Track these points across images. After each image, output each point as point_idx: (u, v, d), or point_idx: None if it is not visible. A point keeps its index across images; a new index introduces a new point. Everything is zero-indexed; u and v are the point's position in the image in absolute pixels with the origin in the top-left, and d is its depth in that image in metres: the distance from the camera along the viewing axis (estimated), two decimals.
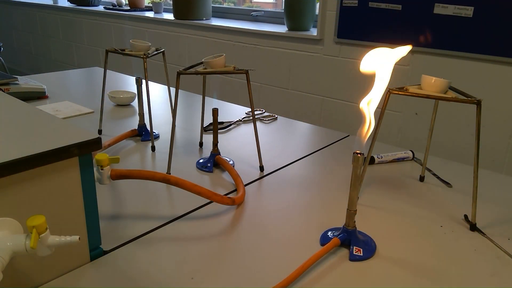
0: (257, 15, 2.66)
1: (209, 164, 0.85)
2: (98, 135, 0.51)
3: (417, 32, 1.79)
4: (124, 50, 0.93)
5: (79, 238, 0.45)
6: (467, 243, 0.63)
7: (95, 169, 0.57)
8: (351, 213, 0.58)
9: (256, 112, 1.23)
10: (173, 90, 1.04)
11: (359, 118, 0.59)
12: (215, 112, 0.80)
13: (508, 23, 1.58)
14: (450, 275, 0.55)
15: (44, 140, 0.49)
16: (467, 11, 1.65)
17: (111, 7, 3.32)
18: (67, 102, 1.25)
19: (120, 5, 3.31)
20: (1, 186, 0.43)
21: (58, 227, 0.49)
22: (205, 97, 0.94)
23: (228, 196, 0.71)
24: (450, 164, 0.91)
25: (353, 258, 0.58)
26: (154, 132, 1.03)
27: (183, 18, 2.69)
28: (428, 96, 0.65)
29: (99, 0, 3.59)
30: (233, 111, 1.24)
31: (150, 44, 0.93)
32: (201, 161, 0.88)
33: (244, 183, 0.79)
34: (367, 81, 0.63)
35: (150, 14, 3.03)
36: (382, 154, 0.92)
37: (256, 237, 0.63)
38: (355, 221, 0.59)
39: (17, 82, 1.25)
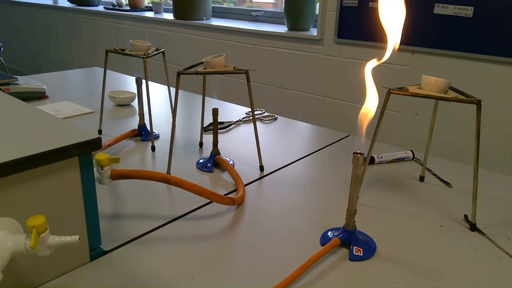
0: (257, 15, 2.66)
1: (209, 164, 0.85)
2: (98, 135, 0.51)
3: (417, 32, 1.79)
4: (124, 50, 0.93)
5: (79, 238, 0.45)
6: (467, 243, 0.63)
7: (95, 169, 0.57)
8: (351, 213, 0.58)
9: (256, 112, 1.23)
10: (173, 90, 1.05)
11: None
12: (215, 112, 0.80)
13: (508, 23, 1.58)
14: (450, 275, 0.55)
15: (44, 140, 0.49)
16: (467, 11, 1.65)
17: (111, 7, 3.32)
18: (67, 102, 1.25)
19: (120, 5, 3.31)
20: (1, 186, 0.43)
21: (58, 227, 0.49)
22: (205, 97, 0.94)
23: (228, 196, 0.71)
24: (450, 164, 0.91)
25: (353, 258, 0.58)
26: (154, 132, 1.03)
27: (183, 18, 2.69)
28: (428, 96, 0.65)
29: (99, 0, 3.59)
30: (233, 111, 1.25)
31: (150, 44, 0.93)
32: (201, 161, 0.88)
33: (244, 183, 0.79)
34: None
35: (150, 14, 3.03)
36: (382, 154, 0.92)
37: (256, 237, 0.63)
38: (355, 221, 0.59)
39: (17, 82, 1.25)
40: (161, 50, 0.95)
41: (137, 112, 1.13)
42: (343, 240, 0.59)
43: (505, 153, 1.71)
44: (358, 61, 2.01)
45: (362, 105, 0.59)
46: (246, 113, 1.23)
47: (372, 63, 0.60)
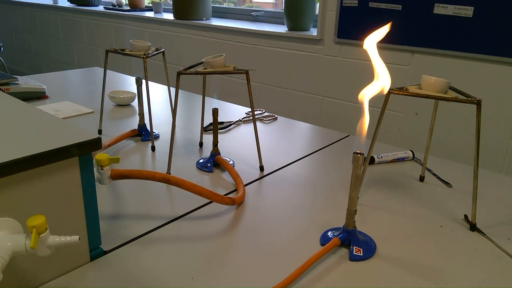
0: (257, 15, 2.66)
1: (209, 164, 0.85)
2: (98, 135, 0.51)
3: (417, 32, 1.79)
4: (124, 50, 0.93)
5: (79, 238, 0.45)
6: (467, 243, 0.63)
7: (95, 169, 0.57)
8: (351, 213, 0.58)
9: (256, 112, 1.23)
10: (173, 90, 1.05)
11: (359, 117, 0.59)
12: (215, 112, 0.80)
13: (508, 23, 1.58)
14: (450, 275, 0.55)
15: (44, 140, 0.49)
16: (467, 11, 1.65)
17: (111, 7, 3.32)
18: (67, 102, 1.25)
19: (120, 5, 3.31)
20: (1, 186, 0.43)
21: (58, 227, 0.49)
22: (205, 97, 0.94)
23: (228, 196, 0.71)
24: (450, 164, 0.91)
25: (353, 258, 0.58)
26: (154, 132, 1.03)
27: (183, 18, 2.69)
28: (428, 96, 0.65)
29: (99, 0, 3.59)
30: (233, 111, 1.24)
31: (150, 44, 0.93)
32: (201, 161, 0.88)
33: (244, 183, 0.79)
34: (367, 81, 0.63)
35: (150, 14, 3.03)
36: (382, 154, 0.92)
37: (256, 237, 0.63)
38: (355, 221, 0.59)
39: (17, 82, 1.25)
40: (161, 50, 0.95)
41: (137, 112, 1.13)
42: (343, 240, 0.59)
43: (505, 153, 1.71)
44: (358, 61, 2.01)
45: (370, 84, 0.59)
46: (246, 113, 1.23)
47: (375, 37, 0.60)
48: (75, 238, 0.45)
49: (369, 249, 0.59)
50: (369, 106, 0.60)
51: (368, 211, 0.71)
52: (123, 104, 1.27)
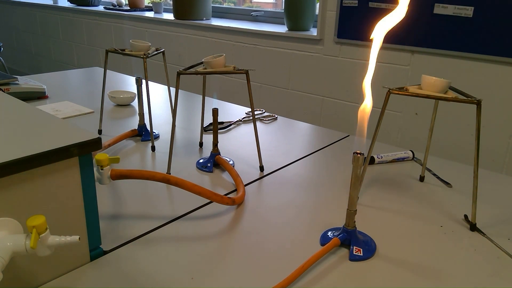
0: (257, 15, 2.66)
1: (209, 164, 0.85)
2: (98, 135, 0.51)
3: (417, 32, 1.79)
4: (124, 50, 0.93)
5: (79, 238, 0.45)
6: (467, 243, 0.63)
7: (95, 169, 0.57)
8: (351, 213, 0.58)
9: (256, 112, 1.23)
10: (173, 90, 1.05)
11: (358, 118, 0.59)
12: (215, 112, 0.80)
13: (508, 23, 1.58)
14: (450, 275, 0.55)
15: (44, 140, 0.49)
16: (467, 11, 1.65)
17: (111, 7, 3.32)
18: (67, 102, 1.25)
19: (120, 5, 3.31)
20: (1, 186, 0.43)
21: (58, 227, 0.49)
22: (205, 97, 0.94)
23: (228, 196, 0.71)
24: (450, 164, 0.91)
25: (353, 258, 0.58)
26: (154, 132, 1.03)
27: (183, 18, 2.69)
28: (428, 96, 0.65)
29: (99, 0, 3.59)
30: (233, 111, 1.25)
31: (150, 44, 0.93)
32: (201, 161, 0.88)
33: (244, 183, 0.79)
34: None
35: (150, 14, 3.03)
36: (382, 154, 0.92)
37: (256, 237, 0.63)
38: (355, 221, 0.59)
39: (17, 82, 1.25)
40: (161, 50, 0.95)
41: (137, 112, 1.13)
42: (343, 240, 0.59)
43: (505, 153, 1.71)
44: (358, 61, 2.01)
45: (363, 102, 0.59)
46: (246, 113, 1.23)
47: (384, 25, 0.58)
48: (75, 238, 0.45)
49: (369, 249, 0.59)
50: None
51: (368, 211, 0.71)
52: (123, 104, 1.27)
